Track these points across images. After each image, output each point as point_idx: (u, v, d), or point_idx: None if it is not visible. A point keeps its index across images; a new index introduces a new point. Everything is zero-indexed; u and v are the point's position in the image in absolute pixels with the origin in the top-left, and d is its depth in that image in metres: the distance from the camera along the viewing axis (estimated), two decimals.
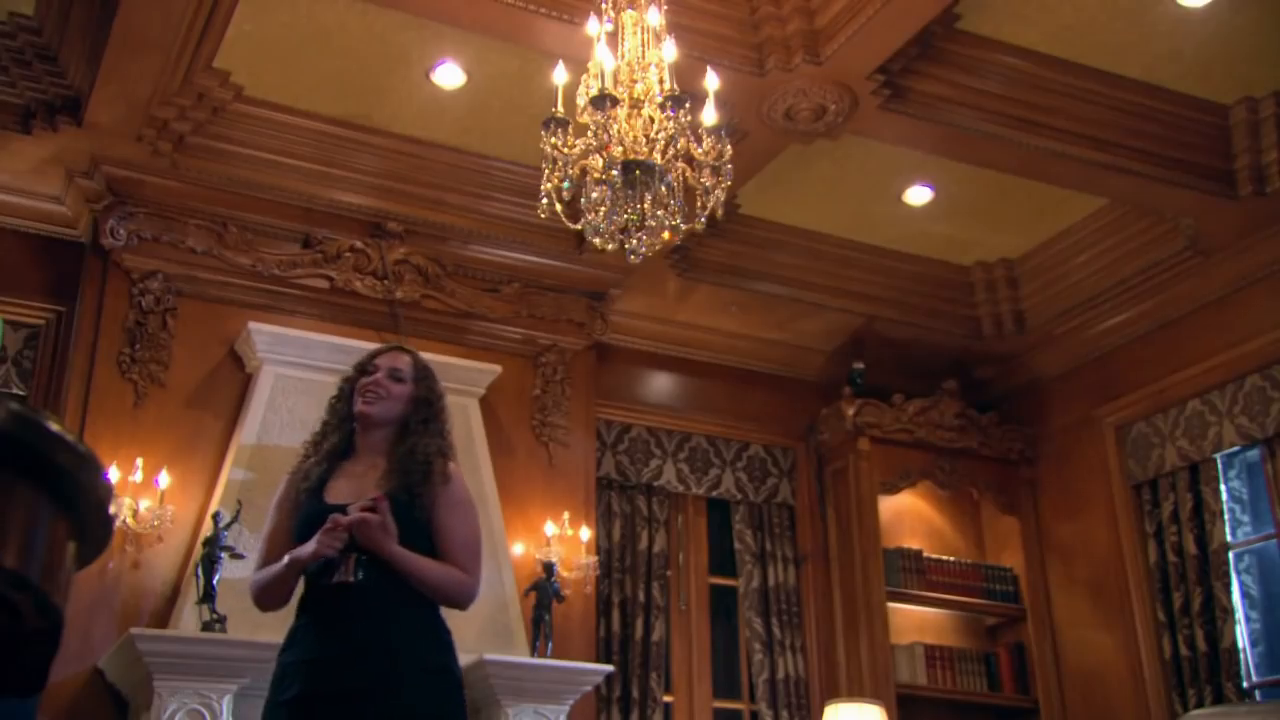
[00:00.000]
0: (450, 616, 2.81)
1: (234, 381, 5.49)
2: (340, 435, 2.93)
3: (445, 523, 2.82)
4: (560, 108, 3.80)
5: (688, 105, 3.72)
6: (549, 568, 5.47)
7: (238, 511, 4.93)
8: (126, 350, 5.35)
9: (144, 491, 5.04)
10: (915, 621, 6.61)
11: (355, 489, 2.82)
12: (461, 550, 2.84)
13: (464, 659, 5.02)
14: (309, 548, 2.72)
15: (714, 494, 6.64)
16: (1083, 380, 6.69)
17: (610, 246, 3.79)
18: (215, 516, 4.90)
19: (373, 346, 3.29)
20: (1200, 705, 5.58)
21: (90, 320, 5.39)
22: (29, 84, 5.06)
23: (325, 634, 2.71)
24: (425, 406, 2.92)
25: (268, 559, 2.88)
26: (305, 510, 2.82)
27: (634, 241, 3.75)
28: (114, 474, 4.99)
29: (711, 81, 3.84)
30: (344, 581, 2.71)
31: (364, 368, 2.99)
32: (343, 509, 2.75)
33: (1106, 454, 6.45)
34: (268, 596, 2.87)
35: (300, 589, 2.88)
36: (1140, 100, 5.30)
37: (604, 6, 3.97)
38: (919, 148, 5.48)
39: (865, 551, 6.43)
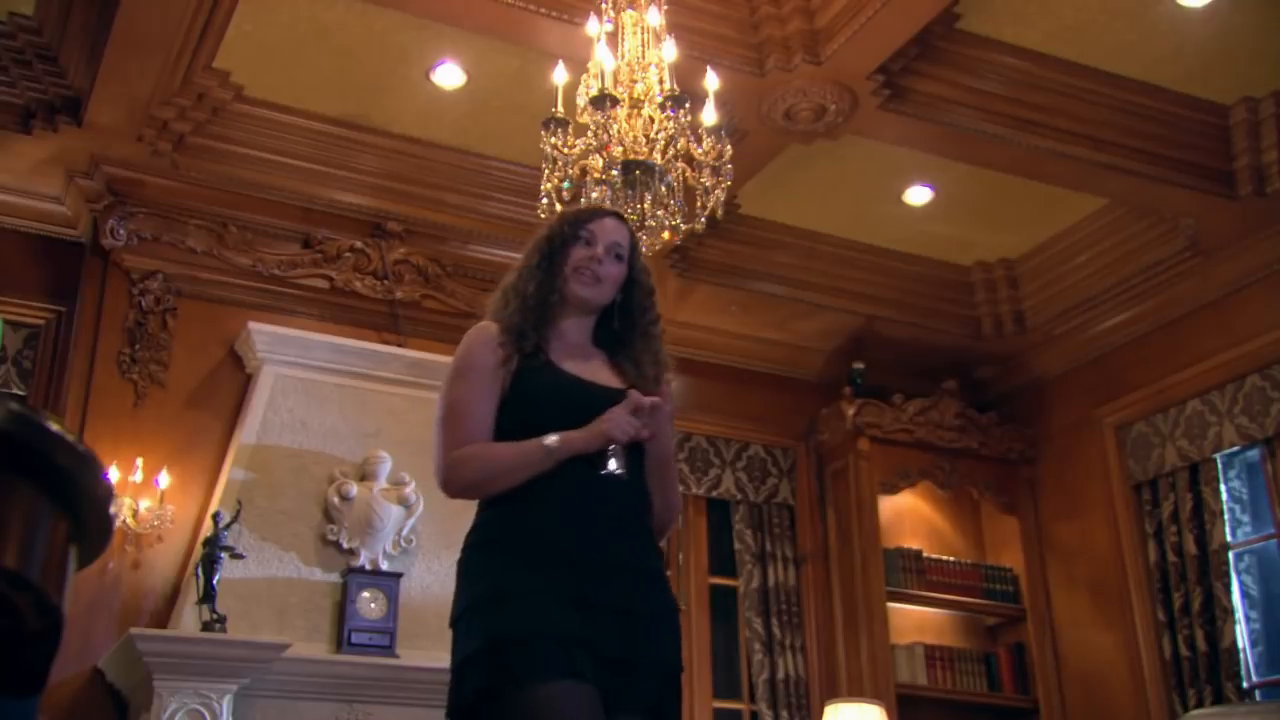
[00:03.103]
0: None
1: (234, 381, 5.49)
2: (547, 302, 2.38)
3: (671, 430, 2.40)
4: (560, 108, 3.81)
5: (688, 105, 3.73)
6: None
7: (238, 511, 4.94)
8: (126, 350, 5.35)
9: (144, 491, 5.04)
10: (915, 621, 6.61)
11: (587, 371, 2.36)
12: (675, 474, 2.45)
13: None
14: (599, 430, 2.20)
15: (714, 494, 6.64)
16: (1083, 380, 6.69)
17: None
18: (215, 516, 4.90)
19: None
20: (1200, 705, 5.58)
21: (90, 320, 5.39)
22: (29, 84, 5.06)
23: (592, 530, 2.19)
24: (647, 297, 2.46)
25: (470, 431, 2.26)
26: (546, 381, 2.29)
27: None
28: (114, 474, 4.99)
29: (711, 81, 3.85)
30: (614, 475, 2.23)
31: (577, 231, 2.41)
32: (605, 390, 2.30)
33: (1106, 454, 6.45)
34: (499, 479, 2.23)
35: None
36: (1140, 100, 5.30)
37: (604, 6, 3.98)
38: (919, 148, 5.48)
39: (865, 551, 6.43)
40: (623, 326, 2.44)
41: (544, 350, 2.34)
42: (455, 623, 2.20)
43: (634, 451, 2.29)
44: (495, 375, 2.30)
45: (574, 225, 2.43)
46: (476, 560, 2.24)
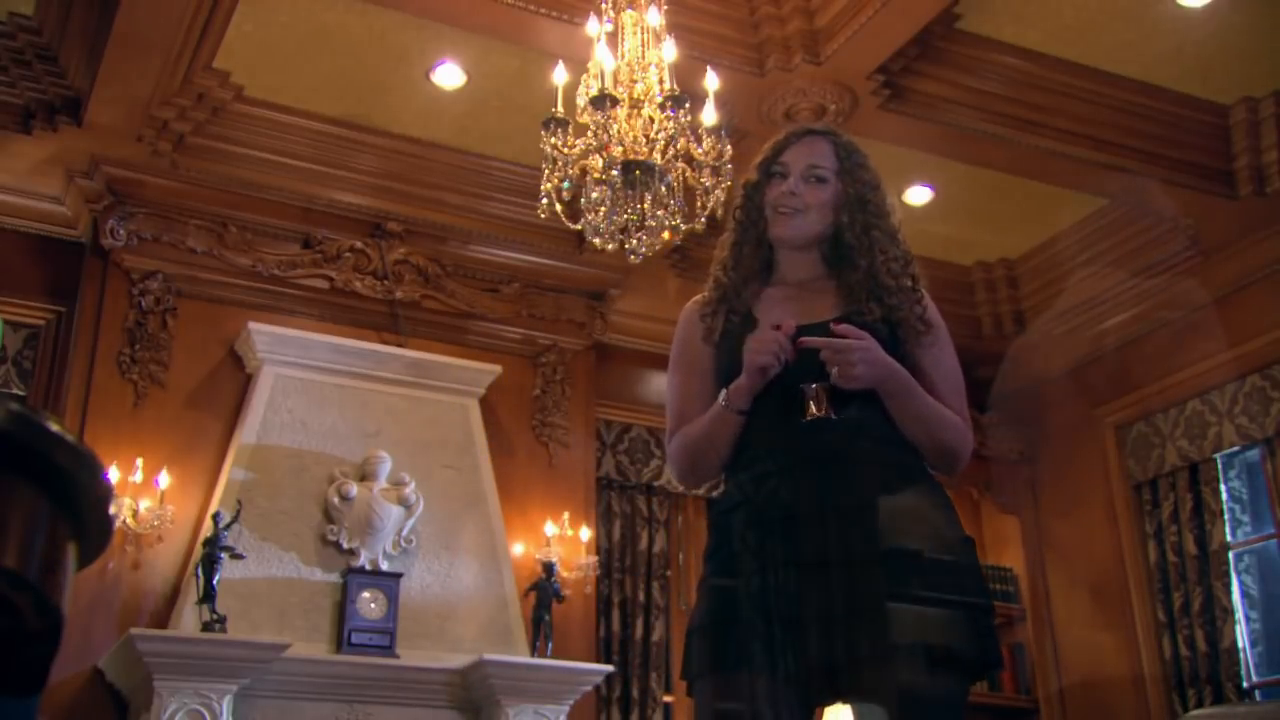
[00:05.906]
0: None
1: (234, 381, 5.49)
2: (755, 255, 2.21)
3: (933, 357, 2.14)
4: (560, 108, 3.81)
5: (688, 105, 3.73)
6: (549, 568, 5.48)
7: (238, 511, 4.94)
8: (126, 350, 5.35)
9: (144, 491, 5.04)
10: None
11: (800, 311, 2.11)
12: (955, 393, 2.12)
13: (464, 659, 5.04)
14: (748, 364, 2.01)
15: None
16: (1083, 380, 6.69)
17: (610, 246, 3.80)
18: (215, 516, 4.90)
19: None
20: (1200, 705, 5.58)
21: (90, 320, 5.39)
22: (29, 84, 5.06)
23: (801, 487, 1.96)
24: (861, 209, 2.17)
25: (683, 418, 2.15)
26: (744, 338, 2.09)
27: (634, 241, 3.75)
28: (114, 474, 4.99)
29: (711, 81, 3.85)
30: (819, 418, 1.99)
31: (770, 168, 2.22)
32: (806, 328, 2.05)
33: (1106, 454, 6.45)
34: (700, 455, 2.10)
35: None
36: (1140, 100, 5.30)
37: (604, 6, 3.98)
38: (919, 148, 5.48)
39: None
40: (851, 248, 2.18)
41: (751, 305, 2.17)
42: None
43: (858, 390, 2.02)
44: (703, 350, 2.17)
45: (767, 165, 2.23)
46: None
